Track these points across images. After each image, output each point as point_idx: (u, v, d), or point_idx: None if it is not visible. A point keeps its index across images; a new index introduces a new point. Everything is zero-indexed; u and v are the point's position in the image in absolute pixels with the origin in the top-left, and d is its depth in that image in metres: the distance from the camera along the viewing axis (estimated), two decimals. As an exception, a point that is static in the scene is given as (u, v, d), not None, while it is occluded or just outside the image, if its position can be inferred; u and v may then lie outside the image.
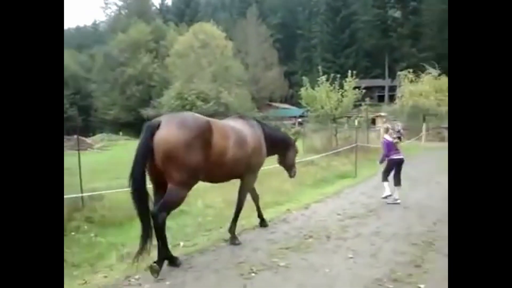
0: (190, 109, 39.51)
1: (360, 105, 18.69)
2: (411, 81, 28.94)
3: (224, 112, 40.46)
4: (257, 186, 5.83)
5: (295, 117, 44.44)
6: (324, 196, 8.39)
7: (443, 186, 9.30)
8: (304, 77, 16.69)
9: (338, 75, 16.22)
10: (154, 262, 4.00)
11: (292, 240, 5.28)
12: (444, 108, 28.94)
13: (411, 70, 29.34)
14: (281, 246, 5.00)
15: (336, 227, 5.87)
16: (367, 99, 16.17)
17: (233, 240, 5.14)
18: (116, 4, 65.06)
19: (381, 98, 57.56)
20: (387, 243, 5.07)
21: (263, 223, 5.90)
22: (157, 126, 3.95)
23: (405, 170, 7.55)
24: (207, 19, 52.50)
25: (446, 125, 32.30)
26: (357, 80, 16.34)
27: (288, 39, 69.20)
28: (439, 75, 28.99)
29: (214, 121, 4.51)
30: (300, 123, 33.86)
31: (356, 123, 12.84)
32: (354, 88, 16.27)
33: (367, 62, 63.14)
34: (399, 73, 30.95)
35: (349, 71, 16.05)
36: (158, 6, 78.19)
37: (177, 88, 39.86)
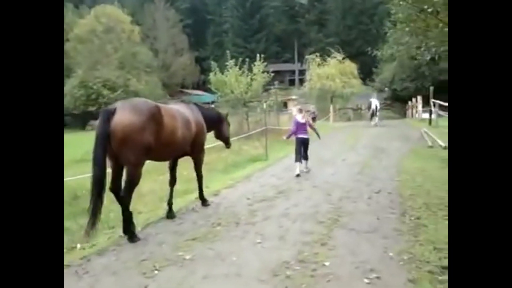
0: (96, 99, 37.11)
1: (270, 88, 18.98)
2: (318, 65, 30.24)
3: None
4: (166, 174, 6.05)
5: (208, 103, 43.93)
6: (234, 181, 8.22)
7: (348, 162, 9.79)
8: (212, 62, 16.42)
9: (248, 59, 16.23)
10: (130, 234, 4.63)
11: (200, 230, 5.02)
12: (349, 90, 30.84)
13: (318, 54, 30.66)
14: (187, 238, 4.71)
15: (245, 212, 5.73)
16: (276, 82, 16.35)
17: (205, 202, 6.19)
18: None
19: (292, 82, 59.53)
20: (295, 223, 5.05)
21: (170, 214, 5.73)
22: (113, 112, 4.30)
23: (315, 150, 8.15)
24: (111, 1, 49.24)
25: (351, 106, 34.56)
26: (266, 64, 16.46)
27: (199, 24, 67.88)
28: (343, 58, 30.72)
29: (161, 105, 5.03)
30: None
31: (265, 106, 12.88)
32: (263, 72, 16.37)
33: (278, 47, 64.74)
34: (307, 57, 32.16)
35: (258, 55, 16.10)
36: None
37: (80, 76, 37.05)
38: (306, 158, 8.78)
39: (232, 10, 62.72)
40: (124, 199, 4.61)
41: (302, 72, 53.02)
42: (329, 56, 31.25)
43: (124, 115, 4.30)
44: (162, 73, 52.84)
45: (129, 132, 4.29)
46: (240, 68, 15.84)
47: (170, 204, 5.73)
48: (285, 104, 50.46)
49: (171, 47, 56.24)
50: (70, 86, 37.33)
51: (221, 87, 16.16)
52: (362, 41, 55.94)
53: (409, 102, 30.01)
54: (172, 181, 5.86)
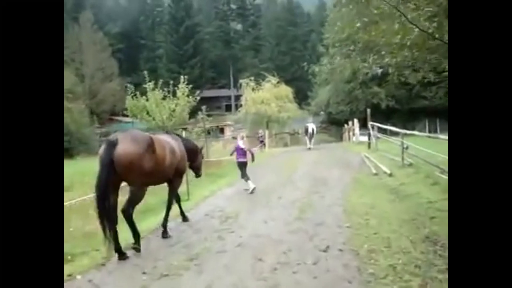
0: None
1: (197, 114, 17.05)
2: (253, 89, 29.08)
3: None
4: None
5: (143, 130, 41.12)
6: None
7: (285, 202, 8.03)
8: (128, 84, 14.28)
9: (171, 81, 14.30)
10: (134, 244, 5.20)
11: None
12: (285, 114, 29.90)
13: (252, 78, 29.54)
14: None
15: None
16: (204, 107, 14.50)
17: (165, 233, 6.06)
18: None
19: (228, 108, 58.60)
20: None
21: (185, 218, 6.98)
22: (115, 143, 4.83)
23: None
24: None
25: (288, 131, 33.67)
26: (191, 86, 14.57)
27: (131, 49, 65.18)
28: (277, 82, 29.85)
29: (153, 136, 5.55)
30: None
31: (184, 134, 10.76)
32: (188, 95, 14.40)
33: (213, 73, 64.04)
34: (241, 81, 30.89)
35: (182, 77, 14.19)
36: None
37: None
38: (248, 178, 9.72)
39: (166, 35, 60.94)
40: (128, 213, 5.15)
41: (238, 98, 52.09)
42: (263, 80, 30.27)
43: (126, 145, 4.85)
44: (89, 99, 49.03)
45: (130, 160, 4.82)
46: (162, 90, 13.77)
47: (182, 213, 7.08)
48: (221, 130, 49.05)
49: (99, 72, 52.64)
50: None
51: (140, 113, 13.94)
52: (296, 67, 56.73)
53: (345, 125, 29.66)
54: (177, 197, 6.87)
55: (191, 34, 60.01)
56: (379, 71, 6.78)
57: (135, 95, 13.81)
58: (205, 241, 5.57)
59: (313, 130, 21.58)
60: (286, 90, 30.43)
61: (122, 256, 4.96)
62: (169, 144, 5.92)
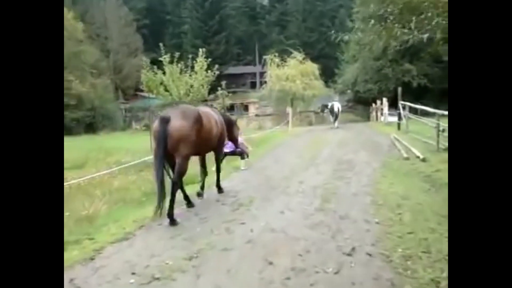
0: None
1: (217, 89, 16.19)
2: (278, 65, 27.96)
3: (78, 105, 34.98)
4: None
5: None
6: (135, 227, 5.44)
7: (306, 188, 7.20)
8: (144, 58, 13.54)
9: (190, 56, 13.50)
10: (168, 211, 5.33)
11: None
12: (311, 92, 28.72)
13: (276, 54, 28.38)
14: None
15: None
16: (224, 82, 13.67)
17: (220, 190, 7.30)
18: None
19: (253, 85, 57.60)
20: None
21: (220, 190, 7.32)
22: (168, 119, 5.36)
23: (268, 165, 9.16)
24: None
25: (313, 109, 32.46)
26: (209, 59, 13.67)
27: (156, 24, 64.52)
28: (303, 59, 28.55)
29: (200, 109, 6.11)
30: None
31: None
32: (207, 69, 13.51)
33: (239, 49, 62.65)
34: (265, 57, 29.78)
35: (200, 50, 13.32)
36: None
37: (13, 78, 32.79)
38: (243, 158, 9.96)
39: (191, 11, 59.80)
40: (176, 184, 5.53)
41: (263, 75, 51.25)
42: (289, 56, 29.04)
43: (178, 121, 5.41)
44: (114, 75, 49.00)
45: (181, 135, 5.39)
46: (177, 64, 12.96)
47: (218, 185, 7.33)
48: (246, 107, 48.23)
49: (124, 47, 52.38)
50: (2, 89, 33.02)
51: (156, 87, 13.21)
52: (323, 44, 54.76)
53: (373, 105, 28.24)
54: (204, 173, 7.04)
55: (217, 9, 58.89)
56: (425, 36, 5.61)
57: (152, 69, 13.08)
58: (211, 234, 4.84)
59: (338, 109, 21.10)
60: (312, 67, 29.14)
61: (173, 222, 5.33)
62: (213, 116, 6.54)
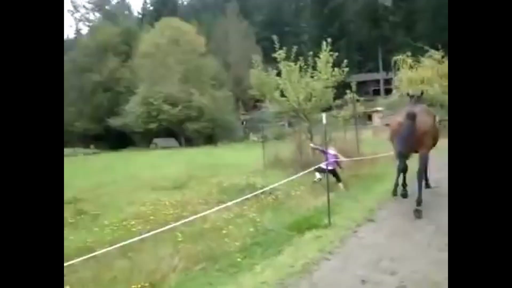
0: (157, 115, 34.77)
1: (345, 93, 13.41)
2: (410, 67, 24.09)
3: (198, 116, 35.77)
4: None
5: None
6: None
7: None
8: (254, 56, 11.66)
9: (311, 52, 11.21)
10: (417, 206, 5.79)
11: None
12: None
13: (409, 54, 24.53)
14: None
15: None
16: (354, 82, 11.05)
17: (428, 185, 7.75)
18: (85, 7, 60.34)
19: (376, 92, 53.73)
20: None
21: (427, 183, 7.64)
22: (415, 115, 5.99)
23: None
24: (187, 16, 47.82)
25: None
26: (336, 54, 11.09)
27: (277, 36, 64.93)
28: (442, 57, 24.05)
29: (425, 107, 7.03)
30: (290, 123, 28.72)
31: (324, 120, 6.34)
32: (333, 66, 10.76)
33: (359, 56, 59.22)
34: (394, 58, 26.01)
35: (324, 42, 10.86)
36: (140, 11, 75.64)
37: (142, 92, 34.88)
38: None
39: (309, 19, 58.71)
40: (419, 174, 6.15)
41: (387, 82, 47.10)
42: (422, 56, 24.84)
43: (423, 117, 6.16)
44: (235, 87, 49.95)
45: (427, 128, 6.15)
46: (295, 62, 10.70)
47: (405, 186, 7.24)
48: (369, 117, 44.39)
49: (244, 59, 53.48)
50: (134, 103, 35.43)
51: (268, 92, 11.12)
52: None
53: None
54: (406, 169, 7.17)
55: (336, 15, 56.62)
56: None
57: (264, 69, 11.09)
58: None
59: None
60: (454, 67, 24.52)
61: (418, 212, 5.73)
62: (431, 114, 6.92)
